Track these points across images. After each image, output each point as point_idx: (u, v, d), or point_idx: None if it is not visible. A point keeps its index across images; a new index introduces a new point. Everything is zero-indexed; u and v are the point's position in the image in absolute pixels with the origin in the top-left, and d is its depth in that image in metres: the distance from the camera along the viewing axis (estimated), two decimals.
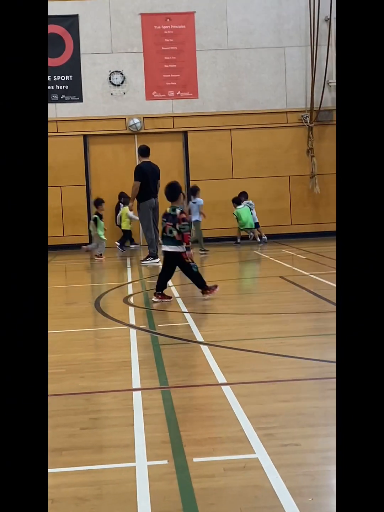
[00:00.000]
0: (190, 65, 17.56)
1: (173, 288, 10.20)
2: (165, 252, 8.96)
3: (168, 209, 9.02)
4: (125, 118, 17.57)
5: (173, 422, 4.33)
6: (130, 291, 10.11)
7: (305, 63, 17.79)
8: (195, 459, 3.70)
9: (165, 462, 3.67)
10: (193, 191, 15.58)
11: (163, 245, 9.02)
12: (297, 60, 17.81)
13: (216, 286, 9.06)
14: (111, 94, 17.55)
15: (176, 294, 9.66)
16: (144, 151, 14.03)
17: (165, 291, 9.11)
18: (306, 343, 6.42)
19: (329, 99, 17.83)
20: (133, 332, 7.14)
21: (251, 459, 3.68)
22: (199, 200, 15.45)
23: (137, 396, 4.91)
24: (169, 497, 3.25)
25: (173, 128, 17.72)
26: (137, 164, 14.72)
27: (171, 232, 8.79)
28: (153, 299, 8.93)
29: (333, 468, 3.52)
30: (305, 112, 17.78)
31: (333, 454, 3.70)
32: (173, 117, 17.69)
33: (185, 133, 17.80)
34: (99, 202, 15.27)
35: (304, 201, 18.06)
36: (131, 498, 3.26)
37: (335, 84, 17.92)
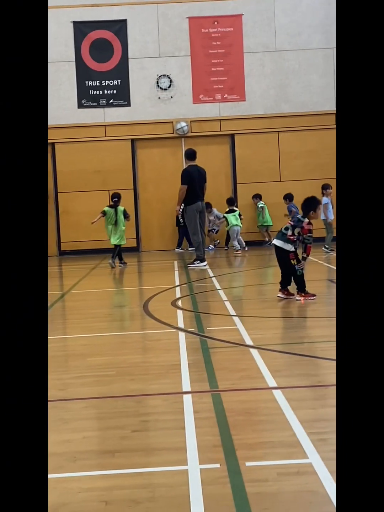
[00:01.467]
0: (238, 68, 17.54)
1: (220, 292, 10.19)
2: (274, 246, 9.08)
3: (300, 216, 9.03)
4: (172, 122, 17.62)
5: (224, 425, 4.30)
6: (178, 294, 10.12)
7: None
8: (247, 463, 3.67)
9: (217, 466, 3.65)
10: (324, 188, 15.48)
11: (275, 239, 9.11)
12: None
13: (314, 295, 8.99)
14: (159, 98, 17.62)
15: (224, 297, 9.64)
16: (190, 155, 14.05)
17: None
18: None
19: None
20: (182, 335, 7.14)
21: (305, 464, 3.63)
22: (325, 199, 15.20)
23: (187, 399, 4.90)
24: (223, 501, 3.23)
25: (220, 131, 17.72)
26: (184, 167, 14.74)
27: (286, 229, 8.91)
28: (279, 295, 9.04)
29: None
30: None
31: None
32: (220, 120, 17.69)
33: (232, 136, 17.78)
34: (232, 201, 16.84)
35: None
36: (184, 502, 3.24)
37: None
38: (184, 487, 3.40)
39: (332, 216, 15.44)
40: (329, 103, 17.66)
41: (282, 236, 8.96)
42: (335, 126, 16.80)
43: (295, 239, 8.84)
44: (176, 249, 17.59)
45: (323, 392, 4.99)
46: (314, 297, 8.87)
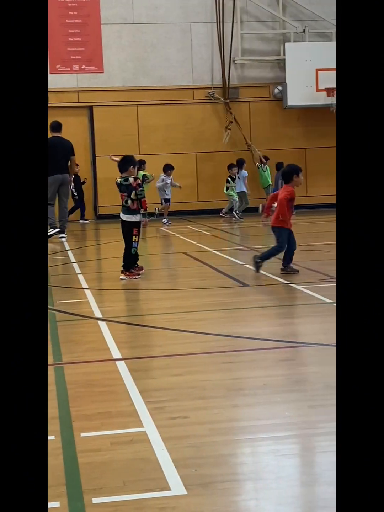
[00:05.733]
0: (95, 39, 17.31)
1: (75, 265, 10.12)
2: (122, 221, 8.85)
3: (118, 180, 8.81)
4: None
5: (64, 398, 4.30)
6: None
7: (210, 39, 17.81)
8: (82, 434, 3.69)
9: (52, 438, 3.65)
10: (240, 164, 16.66)
11: (121, 214, 8.89)
12: (203, 37, 17.82)
13: (138, 274, 8.76)
14: None
15: (77, 270, 9.59)
16: (55, 127, 13.76)
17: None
18: (203, 318, 6.48)
19: (235, 77, 17.98)
20: None
21: (139, 433, 3.69)
22: (244, 172, 16.61)
23: None
24: (54, 472, 3.23)
25: (78, 102, 17.47)
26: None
27: (126, 202, 8.75)
28: (122, 278, 8.63)
29: (219, 439, 3.59)
30: (211, 89, 17.84)
31: (220, 425, 3.78)
32: (77, 91, 17.44)
33: (90, 108, 17.58)
34: (234, 165, 16.79)
35: (211, 178, 18.16)
36: None
37: (240, 61, 18.04)
38: None
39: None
40: (187, 78, 17.79)
41: (125, 209, 8.77)
42: (193, 100, 16.97)
43: (137, 207, 8.72)
44: (80, 221, 17.52)
45: (165, 362, 5.08)
46: (139, 276, 8.74)
